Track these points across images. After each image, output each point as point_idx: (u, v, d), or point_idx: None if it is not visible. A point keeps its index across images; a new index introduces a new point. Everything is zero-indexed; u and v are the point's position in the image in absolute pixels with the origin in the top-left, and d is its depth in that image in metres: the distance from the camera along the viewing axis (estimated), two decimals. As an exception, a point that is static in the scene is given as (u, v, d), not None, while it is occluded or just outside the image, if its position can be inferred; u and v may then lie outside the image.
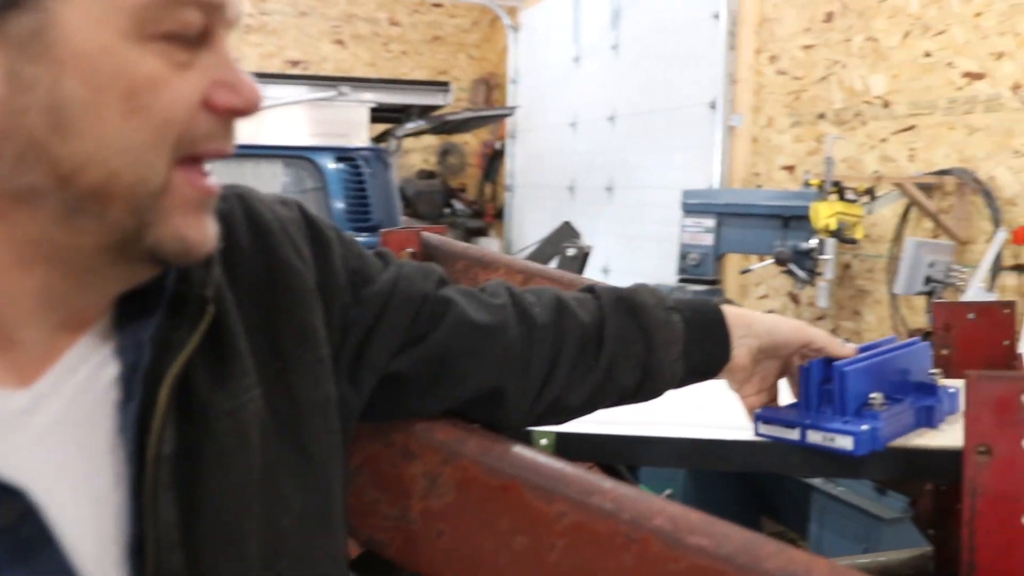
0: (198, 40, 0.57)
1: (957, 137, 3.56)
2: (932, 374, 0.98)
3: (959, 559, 1.19)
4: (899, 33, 3.87)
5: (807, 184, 3.22)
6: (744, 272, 4.09)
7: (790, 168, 4.51)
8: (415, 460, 0.78)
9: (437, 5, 8.15)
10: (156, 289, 0.62)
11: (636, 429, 0.97)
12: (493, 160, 7.89)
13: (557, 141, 6.76)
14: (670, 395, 0.90)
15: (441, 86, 4.97)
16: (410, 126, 4.92)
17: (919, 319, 3.50)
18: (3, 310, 0.57)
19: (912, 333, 3.14)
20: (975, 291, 2.68)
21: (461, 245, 1.72)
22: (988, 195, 3.29)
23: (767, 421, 0.92)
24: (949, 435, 0.91)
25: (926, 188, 3.50)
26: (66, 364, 0.59)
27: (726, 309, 0.90)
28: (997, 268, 3.11)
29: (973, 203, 3.42)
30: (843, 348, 0.92)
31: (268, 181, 4.54)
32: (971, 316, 1.22)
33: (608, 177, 6.02)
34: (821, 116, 4.29)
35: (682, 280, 3.95)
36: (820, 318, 4.14)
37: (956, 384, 0.98)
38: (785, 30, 4.56)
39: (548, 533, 0.70)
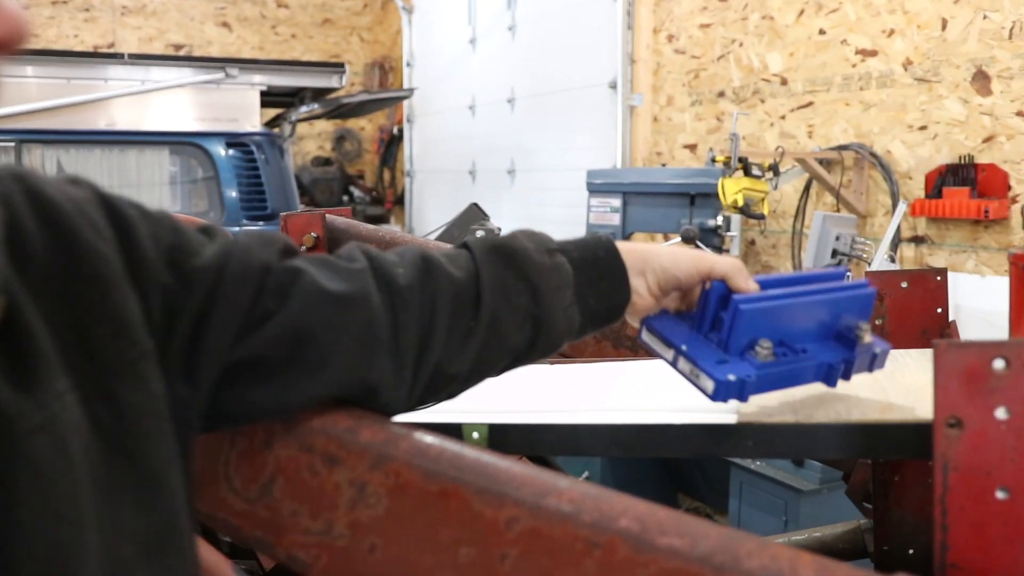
0: None
1: (853, 113, 3.63)
2: (859, 328, 0.87)
3: (918, 535, 1.17)
4: (794, 11, 3.92)
5: (712, 161, 3.23)
6: (650, 251, 4.09)
7: (692, 147, 4.54)
8: (338, 466, 0.68)
9: (328, -14, 7.92)
10: None
11: (578, 417, 0.89)
12: (390, 145, 7.74)
13: (456, 125, 6.67)
14: (603, 377, 0.82)
15: (335, 67, 4.80)
16: (304, 110, 4.74)
17: (822, 292, 3.56)
18: None
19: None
20: (880, 262, 2.73)
21: (369, 227, 1.61)
22: (885, 169, 3.37)
23: (651, 331, 0.84)
24: (909, 409, 0.86)
25: (826, 163, 3.56)
26: None
27: (620, 245, 0.81)
28: (897, 240, 3.18)
29: (872, 177, 3.49)
30: (747, 282, 0.82)
31: (154, 170, 4.30)
32: (904, 285, 1.20)
33: (509, 160, 5.97)
34: (720, 94, 4.32)
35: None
36: (725, 295, 4.19)
37: (887, 344, 0.91)
38: (682, 9, 4.57)
39: (498, 542, 0.61)
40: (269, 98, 4.65)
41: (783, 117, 3.97)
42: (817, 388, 0.89)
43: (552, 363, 1.17)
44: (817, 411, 0.85)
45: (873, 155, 3.43)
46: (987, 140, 3.21)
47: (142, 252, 0.63)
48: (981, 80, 3.22)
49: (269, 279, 0.69)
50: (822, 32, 3.80)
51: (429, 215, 7.00)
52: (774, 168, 3.35)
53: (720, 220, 3.31)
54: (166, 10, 7.38)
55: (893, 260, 2.96)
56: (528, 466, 0.64)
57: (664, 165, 4.68)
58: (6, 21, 0.49)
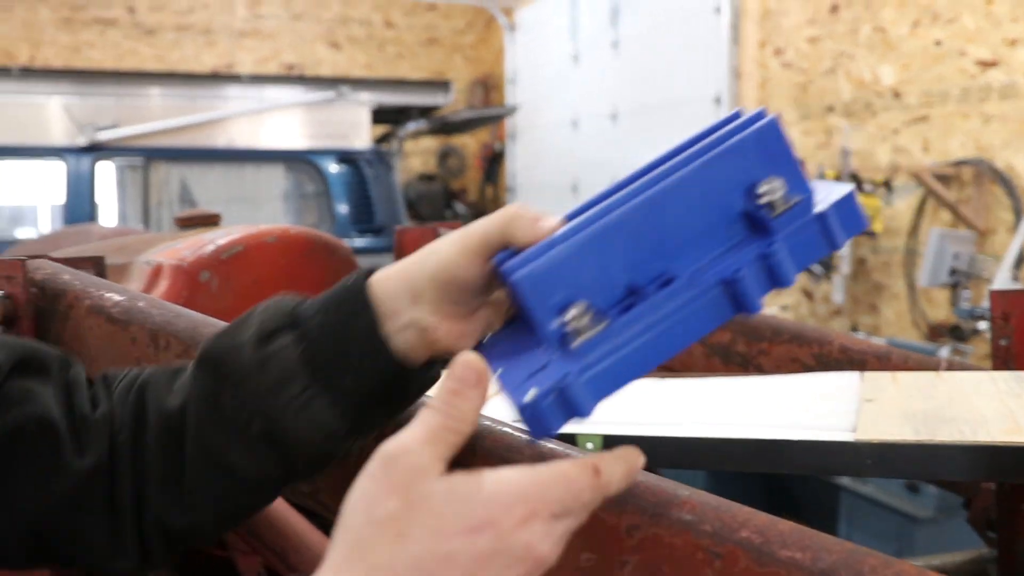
0: None
1: (972, 126, 3.49)
2: (766, 191, 0.53)
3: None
4: (908, 23, 3.81)
5: (823, 177, 3.16)
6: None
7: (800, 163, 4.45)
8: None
9: (432, 7, 8.09)
10: None
11: (691, 430, 0.90)
12: (493, 162, 7.83)
13: (558, 140, 6.70)
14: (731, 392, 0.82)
15: (441, 86, 4.91)
16: (411, 127, 4.86)
17: (939, 312, 3.43)
18: None
19: (934, 328, 3.08)
20: (1003, 281, 2.61)
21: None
22: (1007, 184, 3.23)
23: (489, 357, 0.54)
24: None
25: (943, 179, 3.44)
26: None
27: (382, 273, 0.58)
28: (1021, 257, 3.05)
29: (992, 192, 3.35)
30: (530, 227, 0.53)
31: (269, 185, 4.48)
32: (1031, 303, 1.15)
33: (612, 175, 5.95)
34: (830, 109, 4.23)
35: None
36: (836, 313, 4.07)
37: (843, 188, 0.57)
38: (790, 22, 4.50)
39: (619, 549, 0.62)
40: (378, 115, 4.78)
41: (896, 131, 3.85)
42: (937, 406, 0.87)
43: (662, 377, 1.17)
44: (940, 430, 0.83)
45: (994, 170, 3.30)
46: (1120, 154, 3.05)
47: None
48: (1113, 91, 3.06)
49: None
50: (938, 43, 3.68)
51: (530, 230, 7.04)
52: (887, 184, 3.26)
53: (829, 237, 3.22)
54: (280, 32, 7.68)
55: (1016, 279, 2.83)
56: (648, 475, 0.65)
57: (770, 180, 4.60)
58: None
